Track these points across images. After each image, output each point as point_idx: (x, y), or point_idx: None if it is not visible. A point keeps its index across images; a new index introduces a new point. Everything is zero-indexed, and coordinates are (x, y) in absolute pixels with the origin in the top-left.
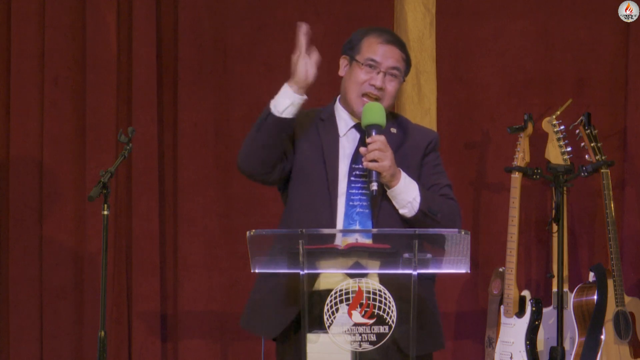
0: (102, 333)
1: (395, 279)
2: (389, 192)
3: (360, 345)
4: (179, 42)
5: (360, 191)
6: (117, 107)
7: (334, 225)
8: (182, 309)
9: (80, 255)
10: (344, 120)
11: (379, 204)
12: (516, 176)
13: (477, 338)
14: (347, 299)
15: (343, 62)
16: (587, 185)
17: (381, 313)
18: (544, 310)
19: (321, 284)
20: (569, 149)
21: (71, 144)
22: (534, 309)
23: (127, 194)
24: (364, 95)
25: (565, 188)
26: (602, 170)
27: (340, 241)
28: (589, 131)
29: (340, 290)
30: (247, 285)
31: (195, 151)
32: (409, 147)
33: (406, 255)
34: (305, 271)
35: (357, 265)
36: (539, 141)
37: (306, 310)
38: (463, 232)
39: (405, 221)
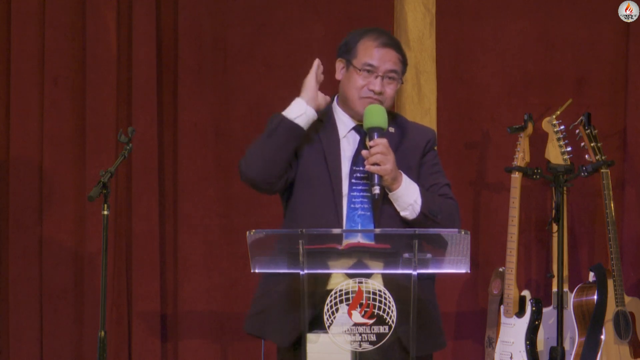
0: (102, 333)
1: (395, 279)
2: (391, 195)
3: (360, 345)
4: (179, 42)
5: (361, 193)
6: (117, 107)
7: (339, 227)
8: (182, 309)
9: (80, 256)
10: (343, 122)
11: (380, 206)
12: (516, 176)
13: (477, 338)
14: (347, 299)
15: (339, 65)
16: (587, 185)
17: (381, 313)
18: (544, 310)
19: (331, 284)
20: (569, 149)
21: (71, 144)
22: (534, 309)
23: (127, 194)
24: (364, 98)
25: (565, 188)
26: (602, 170)
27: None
28: (589, 131)
29: (340, 290)
30: (247, 285)
31: (195, 151)
32: (407, 147)
33: (406, 255)
34: (305, 271)
35: (360, 266)
36: (539, 141)
37: (306, 310)
38: (463, 232)
39: (406, 223)
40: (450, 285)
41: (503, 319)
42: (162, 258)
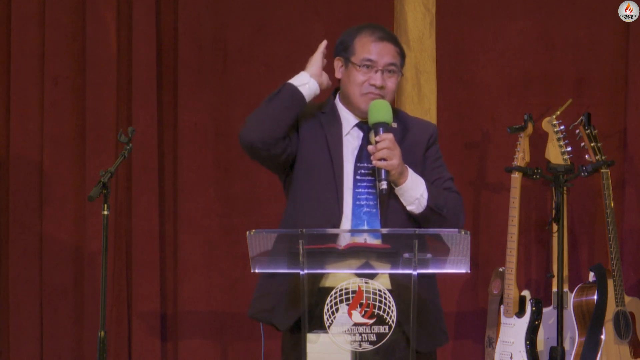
0: (102, 333)
1: (398, 277)
2: (397, 190)
3: (360, 345)
4: (179, 42)
5: (366, 190)
6: (117, 107)
7: (340, 221)
8: (182, 309)
9: (80, 255)
10: (345, 118)
11: (387, 203)
12: (516, 176)
13: (477, 338)
14: (347, 299)
15: (338, 63)
16: (587, 185)
17: (381, 313)
18: (544, 310)
19: (327, 281)
20: (569, 149)
21: (71, 144)
22: (534, 309)
23: (127, 194)
24: (366, 94)
25: (565, 188)
26: (602, 170)
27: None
28: (589, 131)
29: (340, 290)
30: (247, 285)
31: (195, 151)
32: (410, 143)
33: (406, 255)
34: (305, 271)
35: (366, 266)
36: (539, 141)
37: (306, 310)
38: (463, 232)
39: (413, 218)
40: (450, 285)
41: (503, 319)
42: (162, 258)
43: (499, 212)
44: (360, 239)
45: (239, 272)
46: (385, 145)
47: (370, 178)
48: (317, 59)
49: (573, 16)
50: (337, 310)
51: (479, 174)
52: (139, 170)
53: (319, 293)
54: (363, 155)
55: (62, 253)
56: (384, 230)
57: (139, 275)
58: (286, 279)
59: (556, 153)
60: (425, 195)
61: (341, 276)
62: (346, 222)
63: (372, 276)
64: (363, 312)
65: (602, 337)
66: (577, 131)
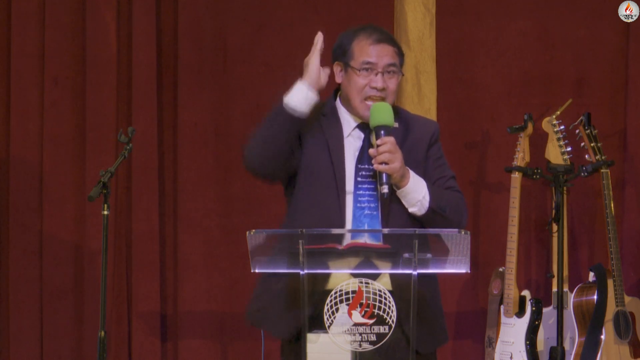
0: (102, 333)
1: (398, 277)
2: (399, 192)
3: (360, 345)
4: (179, 42)
5: (368, 192)
6: (117, 107)
7: (342, 224)
8: (182, 309)
9: (80, 255)
10: (346, 120)
11: (388, 205)
12: (516, 176)
13: (477, 338)
14: (347, 299)
15: (337, 68)
16: (587, 185)
17: (381, 313)
18: (544, 310)
19: (330, 284)
20: (569, 149)
21: (71, 144)
22: (534, 309)
23: (127, 194)
24: (368, 98)
25: (565, 188)
26: (602, 170)
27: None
28: (589, 131)
29: (340, 290)
30: (247, 285)
31: (195, 151)
32: (412, 142)
33: (406, 255)
34: (305, 271)
35: (367, 266)
36: (539, 141)
37: (306, 310)
38: (463, 232)
39: (415, 219)
40: (450, 285)
41: (503, 319)
42: (162, 258)
43: (499, 212)
44: (360, 239)
45: (239, 272)
46: (387, 149)
47: (371, 180)
48: (314, 65)
49: (573, 16)
50: (337, 310)
51: (479, 174)
52: (139, 170)
53: (321, 294)
54: (364, 156)
55: (62, 253)
56: (384, 230)
57: (139, 275)
58: (284, 288)
59: (556, 153)
60: (427, 197)
61: (343, 279)
62: (348, 226)
63: (372, 276)
64: (363, 312)
65: (602, 337)
66: (577, 131)
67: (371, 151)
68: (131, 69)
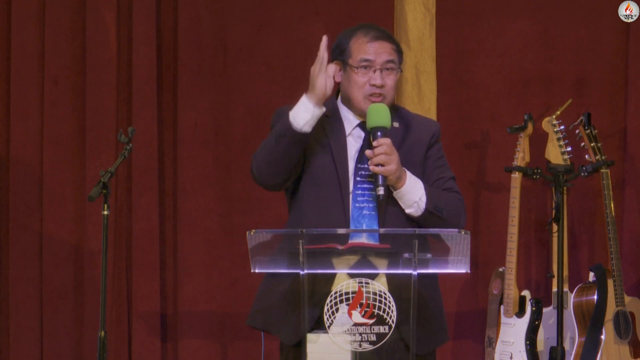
0: (102, 333)
1: (398, 277)
2: (395, 194)
3: (360, 345)
4: (179, 42)
5: (366, 192)
6: (117, 107)
7: (347, 224)
8: (182, 309)
9: (80, 255)
10: (347, 118)
11: (385, 206)
12: (516, 176)
13: (477, 338)
14: (347, 299)
15: (336, 68)
16: (587, 185)
17: (381, 313)
18: (544, 310)
19: (335, 285)
20: (569, 149)
21: (71, 144)
22: (534, 309)
23: (127, 194)
24: (368, 97)
25: (565, 188)
26: (602, 170)
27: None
28: (589, 131)
29: (340, 291)
30: (247, 285)
31: (195, 151)
32: (412, 142)
33: (406, 255)
34: (305, 271)
35: (364, 265)
36: (539, 141)
37: (306, 310)
38: (463, 232)
39: (412, 220)
40: (450, 285)
41: (503, 319)
42: (162, 258)
43: (499, 212)
44: (359, 239)
45: (239, 272)
46: (383, 151)
47: (370, 180)
48: (320, 81)
49: (573, 16)
50: (337, 310)
51: (479, 174)
52: (139, 170)
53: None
54: (364, 156)
55: (62, 253)
56: (385, 231)
57: (139, 275)
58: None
59: (556, 153)
60: (424, 198)
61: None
62: (350, 225)
63: (372, 276)
64: (363, 312)
65: (602, 337)
66: (577, 131)
67: (367, 152)
68: (131, 69)
